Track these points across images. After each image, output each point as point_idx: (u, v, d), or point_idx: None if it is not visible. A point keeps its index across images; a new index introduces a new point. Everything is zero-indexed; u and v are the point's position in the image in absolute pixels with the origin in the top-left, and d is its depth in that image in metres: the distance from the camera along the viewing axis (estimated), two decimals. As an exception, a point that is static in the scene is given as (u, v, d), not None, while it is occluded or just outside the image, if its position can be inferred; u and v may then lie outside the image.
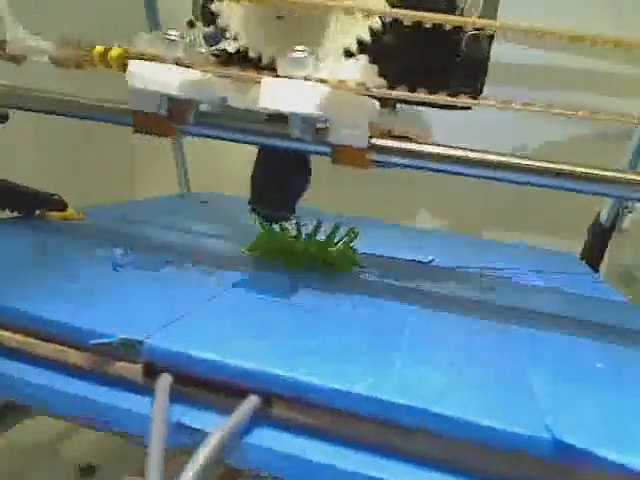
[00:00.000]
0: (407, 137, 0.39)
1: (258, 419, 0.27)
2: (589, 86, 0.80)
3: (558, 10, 0.76)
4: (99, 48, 0.39)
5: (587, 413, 0.27)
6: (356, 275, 0.49)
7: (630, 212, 0.76)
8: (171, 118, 0.40)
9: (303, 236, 0.50)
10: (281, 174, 0.47)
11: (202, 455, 0.23)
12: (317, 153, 0.40)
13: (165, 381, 0.27)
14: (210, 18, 0.42)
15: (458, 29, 0.34)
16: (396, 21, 0.35)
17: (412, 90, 0.35)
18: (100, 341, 0.29)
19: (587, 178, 0.35)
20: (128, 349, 0.28)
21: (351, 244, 0.51)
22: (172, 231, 0.59)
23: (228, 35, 0.41)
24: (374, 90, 0.35)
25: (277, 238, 0.51)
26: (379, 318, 0.38)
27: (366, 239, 0.52)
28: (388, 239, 0.69)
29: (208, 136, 0.42)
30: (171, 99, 0.39)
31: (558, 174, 0.36)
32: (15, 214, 0.53)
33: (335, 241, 0.50)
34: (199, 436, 0.25)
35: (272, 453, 0.25)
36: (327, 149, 0.38)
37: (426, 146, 0.38)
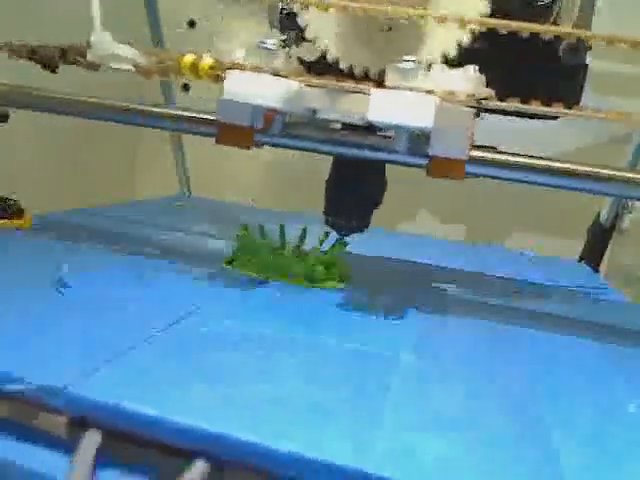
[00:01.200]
0: (493, 147, 0.38)
1: None
2: (589, 86, 0.80)
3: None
4: (189, 58, 0.37)
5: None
6: (343, 294, 0.43)
7: (630, 212, 0.76)
8: (259, 130, 0.39)
9: (286, 247, 0.46)
10: (358, 185, 0.46)
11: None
12: (412, 165, 0.38)
13: (92, 438, 0.23)
14: (288, 26, 0.41)
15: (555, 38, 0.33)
16: (490, 30, 0.34)
17: (523, 102, 0.34)
18: (14, 387, 0.24)
19: (588, 177, 0.35)
20: (49, 398, 0.23)
21: (336, 256, 0.46)
22: (135, 242, 0.52)
23: (317, 46, 0.39)
24: (484, 102, 0.34)
25: (256, 250, 0.46)
26: (364, 358, 0.31)
27: (361, 245, 0.50)
28: (385, 245, 0.66)
29: (294, 147, 0.41)
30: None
31: (559, 173, 0.36)
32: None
33: (322, 251, 0.46)
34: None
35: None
36: (423, 161, 0.37)
37: (518, 157, 0.37)
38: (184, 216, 0.73)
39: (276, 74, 0.35)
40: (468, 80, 0.34)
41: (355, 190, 0.46)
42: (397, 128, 0.35)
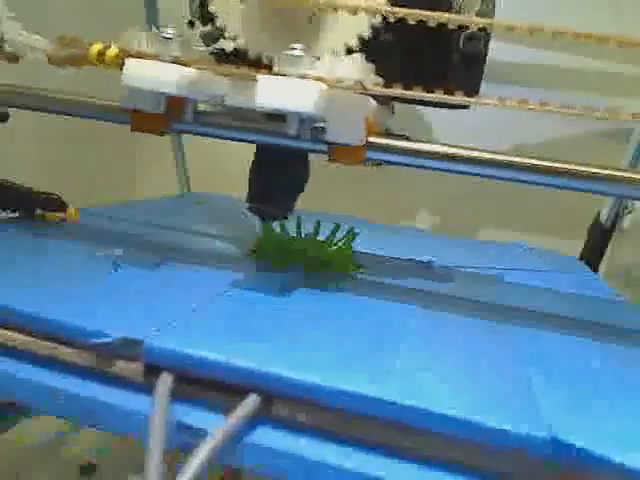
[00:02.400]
0: (404, 135, 0.39)
1: (259, 419, 0.27)
2: (589, 86, 0.80)
3: (558, 10, 0.76)
4: (96, 47, 0.38)
5: (587, 413, 0.27)
6: (355, 276, 0.48)
7: (630, 212, 0.76)
8: (169, 117, 0.40)
9: (303, 237, 0.50)
10: (279, 172, 0.47)
11: (202, 455, 0.23)
12: (314, 151, 0.40)
13: (165, 381, 0.27)
14: (208, 17, 0.42)
15: (456, 27, 0.34)
16: (394, 20, 0.35)
17: (408, 88, 0.35)
18: (100, 341, 0.29)
19: (587, 176, 0.35)
20: (128, 349, 0.28)
21: (350, 245, 0.51)
22: (171, 231, 0.59)
23: (226, 35, 0.41)
24: (370, 88, 0.35)
25: (277, 239, 0.50)
26: (379, 320, 0.37)
27: (365, 240, 0.52)
28: (387, 240, 0.68)
29: (205, 134, 0.42)
30: (168, 97, 0.39)
31: (557, 172, 0.36)
32: (14, 214, 0.53)
33: (334, 242, 0.50)
34: (200, 435, 0.25)
35: (273, 453, 0.25)
36: (324, 147, 0.38)
37: (423, 144, 0.38)
38: (190, 215, 0.74)
39: (175, 62, 0.37)
40: (356, 68, 0.35)
41: (277, 176, 0.47)
42: (287, 114, 0.37)
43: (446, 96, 0.34)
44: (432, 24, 0.34)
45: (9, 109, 0.48)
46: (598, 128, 0.81)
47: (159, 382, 0.27)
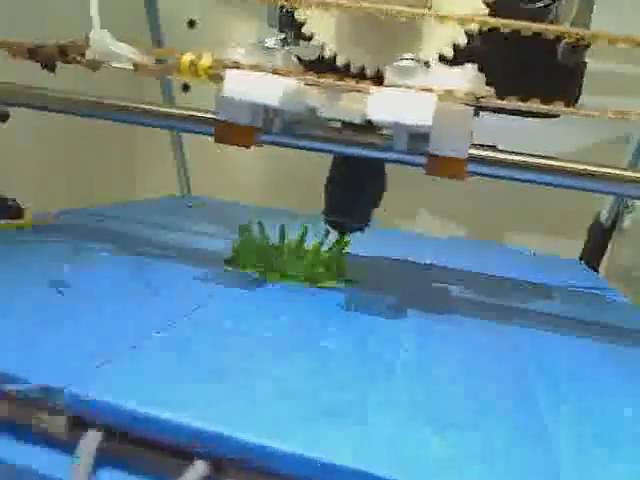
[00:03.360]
0: (494, 146, 0.38)
1: None
2: (589, 86, 0.80)
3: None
4: (187, 57, 0.37)
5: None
6: (345, 292, 0.43)
7: (630, 212, 0.76)
8: (259, 129, 0.38)
9: (285, 247, 0.46)
10: (359, 186, 0.45)
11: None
12: (411, 164, 0.38)
13: (91, 439, 0.23)
14: (287, 24, 0.41)
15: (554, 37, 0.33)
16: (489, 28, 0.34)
17: (524, 100, 0.33)
18: (16, 388, 0.24)
19: (587, 175, 0.35)
20: (49, 398, 0.24)
21: (341, 253, 0.46)
22: (153, 234, 0.55)
23: (314, 43, 0.39)
24: (483, 100, 0.34)
25: (255, 247, 0.46)
26: (365, 356, 0.31)
27: (361, 244, 0.50)
28: (384, 244, 0.67)
29: (294, 147, 0.40)
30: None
31: (557, 171, 0.36)
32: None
33: (324, 250, 0.46)
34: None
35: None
36: (422, 159, 0.36)
37: (517, 156, 0.37)
38: (187, 216, 0.74)
39: (275, 73, 0.35)
40: (467, 78, 0.34)
41: (355, 189, 0.46)
42: (396, 127, 0.35)
43: (550, 107, 0.33)
44: (528, 34, 0.33)
45: (10, 108, 0.48)
46: (599, 128, 0.81)
47: (82, 442, 0.23)
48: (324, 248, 0.46)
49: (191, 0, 0.96)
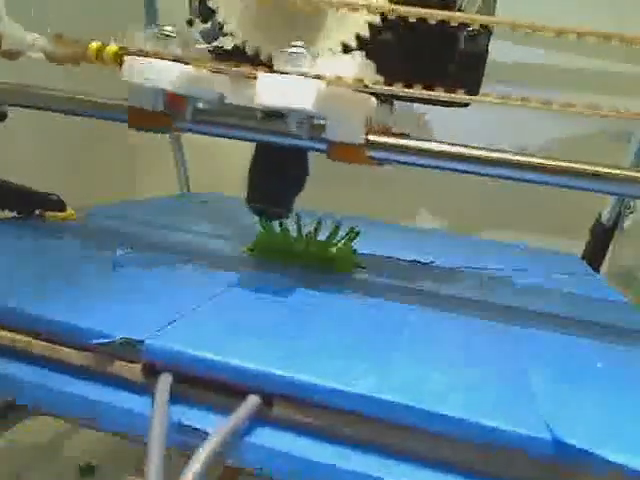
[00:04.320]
0: (405, 134, 0.39)
1: (258, 419, 0.27)
2: (589, 86, 0.80)
3: (558, 10, 0.76)
4: (95, 44, 0.38)
5: (587, 413, 0.27)
6: (356, 275, 0.48)
7: (632, 212, 0.76)
8: (167, 115, 0.40)
9: (303, 236, 0.50)
10: (278, 171, 0.46)
11: (202, 455, 0.23)
12: (313, 149, 0.40)
13: (165, 381, 0.27)
14: (208, 15, 0.42)
15: (456, 26, 0.34)
16: (394, 18, 0.35)
17: (408, 86, 0.34)
18: (101, 341, 0.28)
19: (589, 175, 0.35)
20: (129, 349, 0.28)
21: (351, 244, 0.50)
22: (172, 231, 0.59)
23: (225, 31, 0.40)
24: (370, 86, 0.35)
25: (277, 238, 0.50)
26: (379, 318, 0.38)
27: (366, 239, 0.52)
28: (388, 239, 0.69)
29: (204, 133, 0.42)
30: (168, 95, 0.39)
31: (559, 171, 0.36)
32: (13, 214, 0.53)
33: (335, 241, 0.50)
34: (199, 436, 0.25)
35: (273, 453, 0.25)
36: (323, 145, 0.38)
37: (423, 142, 0.38)
38: (186, 215, 0.74)
39: (175, 59, 0.36)
40: (355, 65, 0.35)
41: (276, 175, 0.47)
42: (287, 112, 0.36)
43: (446, 94, 0.34)
44: (433, 22, 0.34)
45: (9, 108, 0.48)
46: (600, 128, 0.81)
47: (159, 383, 0.27)
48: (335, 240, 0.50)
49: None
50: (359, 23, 0.38)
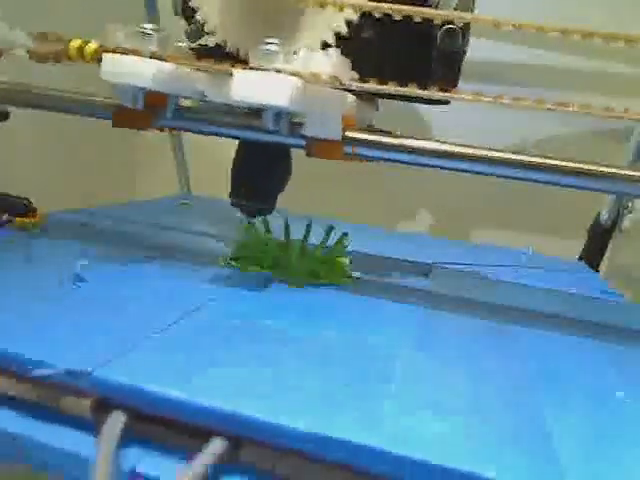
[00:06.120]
0: (388, 131, 0.39)
1: (225, 465, 0.23)
2: (589, 86, 0.80)
3: (557, 9, 0.76)
4: (76, 42, 0.38)
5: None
6: (347, 289, 0.44)
7: (630, 212, 0.76)
8: (149, 112, 0.40)
9: (289, 242, 0.46)
10: (262, 168, 0.46)
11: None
12: (292, 146, 0.40)
13: (116, 420, 0.24)
14: (191, 13, 0.42)
15: (433, 23, 0.34)
16: (371, 15, 0.35)
17: (383, 83, 0.34)
18: (44, 372, 0.25)
19: (588, 174, 0.35)
20: (75, 381, 0.25)
21: (342, 252, 0.46)
22: (144, 237, 0.54)
23: (205, 29, 0.40)
24: (345, 83, 0.35)
25: (259, 245, 0.45)
26: (369, 348, 0.32)
27: (360, 244, 0.50)
28: (385, 244, 0.67)
29: (186, 129, 0.42)
30: (149, 93, 0.38)
31: (557, 170, 0.36)
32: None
33: (325, 248, 0.46)
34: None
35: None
36: (301, 142, 0.38)
37: (402, 139, 0.38)
38: (187, 215, 0.74)
39: (154, 57, 0.36)
40: (331, 62, 0.35)
41: (259, 172, 0.47)
42: (263, 109, 0.36)
43: (420, 91, 0.34)
44: (413, 19, 0.34)
45: (10, 108, 0.48)
46: (598, 127, 0.81)
47: (107, 421, 0.24)
48: (327, 246, 0.46)
49: None
50: (337, 20, 0.38)
